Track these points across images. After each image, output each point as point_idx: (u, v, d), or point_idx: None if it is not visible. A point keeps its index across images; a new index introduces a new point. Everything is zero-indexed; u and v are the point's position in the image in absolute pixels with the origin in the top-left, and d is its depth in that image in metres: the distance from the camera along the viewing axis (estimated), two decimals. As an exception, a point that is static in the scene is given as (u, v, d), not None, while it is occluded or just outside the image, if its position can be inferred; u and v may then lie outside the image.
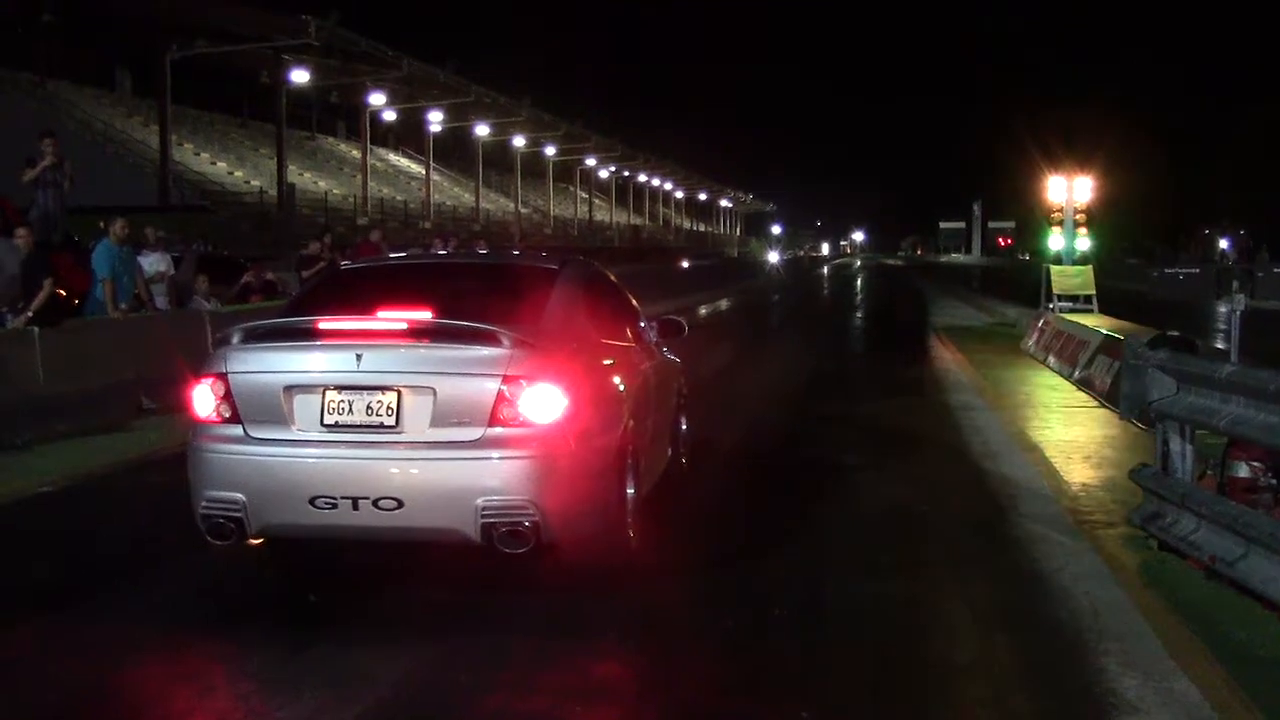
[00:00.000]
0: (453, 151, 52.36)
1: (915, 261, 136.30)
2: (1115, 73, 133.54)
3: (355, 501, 3.96)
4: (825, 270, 76.58)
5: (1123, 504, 6.18)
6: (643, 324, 5.81)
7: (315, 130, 47.25)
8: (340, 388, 4.07)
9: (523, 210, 55.07)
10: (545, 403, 4.03)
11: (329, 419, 4.09)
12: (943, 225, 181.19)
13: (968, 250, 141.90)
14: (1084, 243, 21.99)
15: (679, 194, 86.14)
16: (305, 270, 13.00)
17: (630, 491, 4.68)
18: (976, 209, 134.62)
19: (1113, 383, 10.05)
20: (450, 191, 51.90)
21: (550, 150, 55.29)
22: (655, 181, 76.45)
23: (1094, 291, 19.04)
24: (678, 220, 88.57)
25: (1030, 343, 15.73)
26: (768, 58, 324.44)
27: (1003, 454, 8.09)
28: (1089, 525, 5.96)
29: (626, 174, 69.98)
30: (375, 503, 3.95)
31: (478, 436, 3.97)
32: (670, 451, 5.99)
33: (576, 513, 4.12)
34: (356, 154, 45.24)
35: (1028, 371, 13.49)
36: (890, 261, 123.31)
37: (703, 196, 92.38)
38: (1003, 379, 12.66)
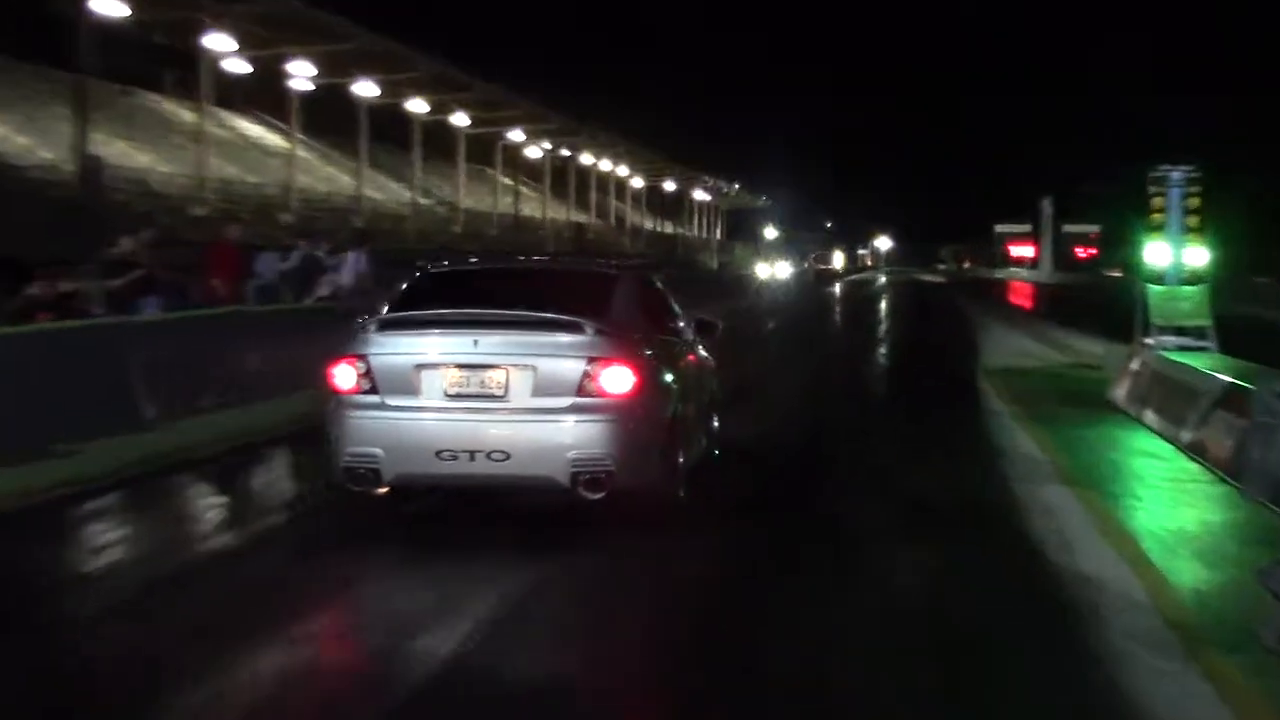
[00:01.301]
0: (327, 118, 52.37)
1: (961, 277, 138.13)
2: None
3: (472, 454, 7.24)
4: (837, 289, 77.27)
5: (1248, 616, 6.24)
6: (683, 322, 9.42)
7: (133, 83, 46.77)
8: (460, 366, 7.39)
9: (423, 201, 55.16)
10: (619, 379, 7.30)
11: (451, 390, 7.41)
12: (1000, 229, 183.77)
13: (1034, 265, 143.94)
14: (1198, 255, 22.26)
15: (637, 182, 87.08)
16: (117, 280, 12.86)
17: (680, 459, 8.13)
18: (1046, 206, 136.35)
19: (1236, 449, 10.16)
20: (323, 172, 51.83)
21: (461, 119, 55.53)
22: (605, 165, 77.24)
23: (1210, 322, 19.25)
24: (636, 218, 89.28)
25: (1120, 392, 15.96)
26: (764, 12, 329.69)
27: (1082, 545, 8.21)
28: (1199, 645, 6.02)
29: (567, 154, 70.68)
30: (489, 455, 7.21)
31: (568, 404, 7.28)
32: (704, 441, 9.42)
33: (641, 467, 7.40)
34: (191, 117, 44.88)
35: (1116, 431, 13.70)
36: (927, 278, 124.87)
37: (670, 186, 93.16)
38: (1081, 442, 12.83)
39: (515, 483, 7.74)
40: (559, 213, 72.57)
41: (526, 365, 7.55)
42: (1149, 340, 18.68)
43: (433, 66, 47.98)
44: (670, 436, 8.07)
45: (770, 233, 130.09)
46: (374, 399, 7.65)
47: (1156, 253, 22.17)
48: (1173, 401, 13.20)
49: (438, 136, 57.20)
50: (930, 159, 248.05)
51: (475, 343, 7.59)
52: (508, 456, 7.45)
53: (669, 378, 8.31)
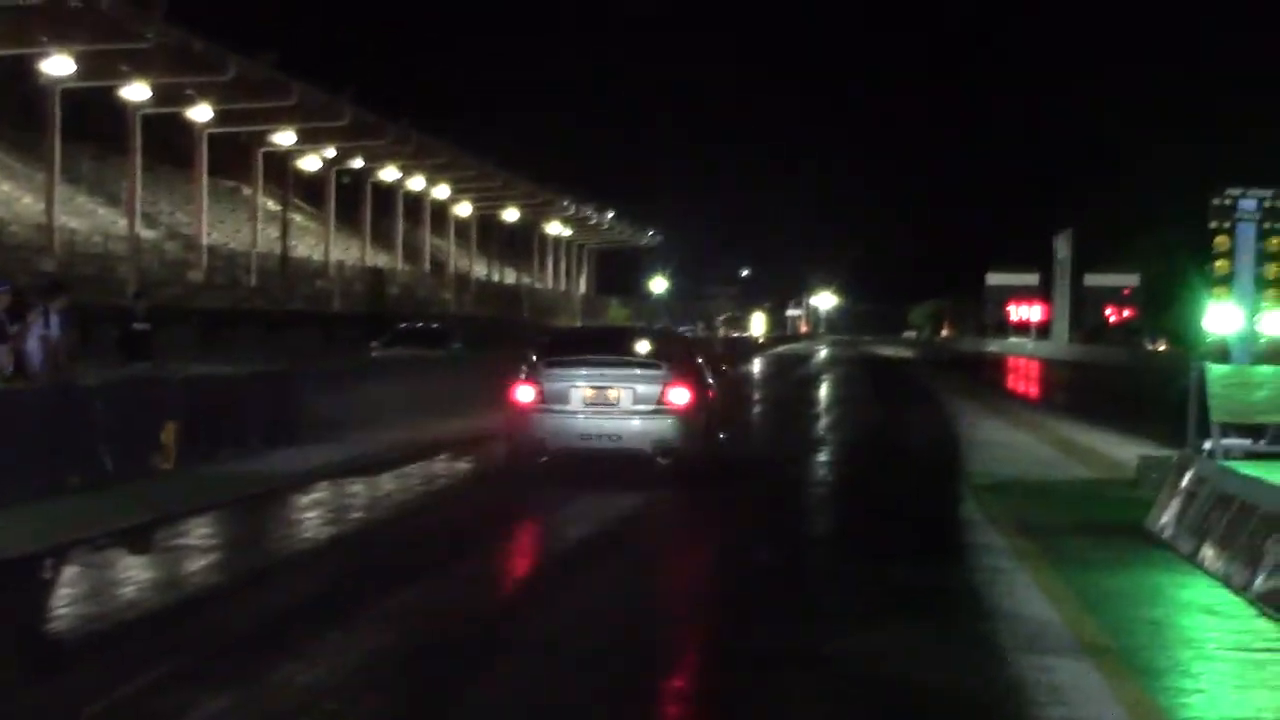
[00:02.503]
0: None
1: (938, 351, 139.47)
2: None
3: (599, 437, 21.16)
4: (757, 367, 77.16)
5: None
6: (700, 359, 24.51)
7: None
8: (593, 387, 21.16)
9: (146, 234, 54.48)
10: (681, 395, 21.15)
11: (587, 401, 21.22)
12: (994, 280, 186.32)
13: (1043, 333, 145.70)
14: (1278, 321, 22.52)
15: (462, 210, 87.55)
16: None
17: (710, 441, 22.79)
18: (1061, 247, 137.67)
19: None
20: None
21: (202, 113, 55.42)
22: (418, 183, 77.68)
23: (1295, 419, 19.58)
24: (463, 260, 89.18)
25: (1165, 519, 16.11)
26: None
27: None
28: None
29: (360, 165, 70.93)
30: (609, 437, 21.14)
31: (652, 409, 21.01)
32: (719, 433, 23.98)
33: (691, 446, 21.26)
34: None
35: (1158, 577, 13.86)
36: (888, 351, 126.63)
37: (510, 215, 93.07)
38: (1108, 593, 13.00)
39: (622, 453, 20.57)
40: (348, 250, 72.32)
41: (629, 387, 20.38)
42: (1208, 445, 18.87)
43: (162, 34, 47.70)
44: (706, 429, 21.39)
45: (659, 285, 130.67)
46: (543, 406, 20.39)
47: (1220, 317, 22.35)
48: (1242, 533, 13.28)
49: (169, 137, 56.80)
50: (896, 179, 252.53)
51: (601, 375, 20.54)
52: (620, 439, 20.48)
53: (706, 396, 21.53)
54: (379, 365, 36.05)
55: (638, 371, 21.43)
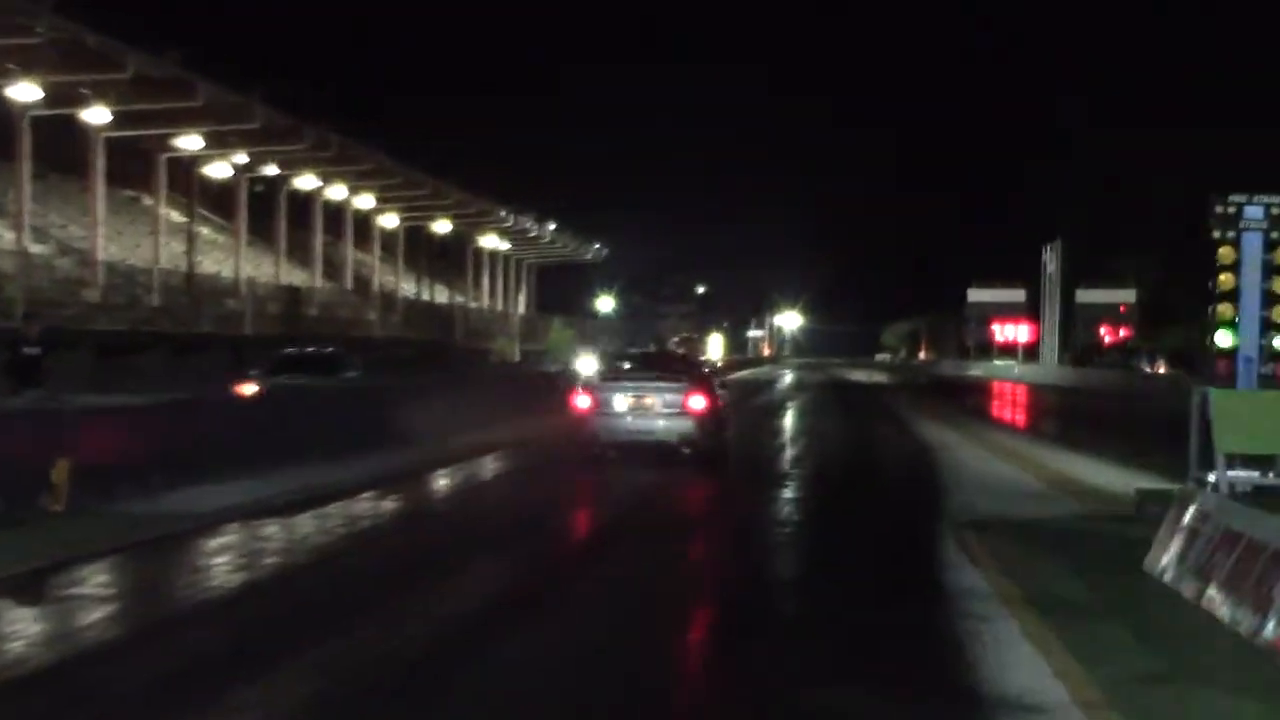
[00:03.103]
0: None
1: (914, 374, 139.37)
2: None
3: (640, 431, 32.64)
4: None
5: None
6: (707, 369, 44.38)
7: None
8: (634, 397, 32.78)
9: (36, 249, 54.06)
10: (699, 402, 32.53)
11: (631, 407, 32.85)
12: (976, 296, 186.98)
13: (1030, 354, 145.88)
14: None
15: (388, 221, 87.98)
16: None
17: (720, 439, 35.01)
18: (1050, 260, 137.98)
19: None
20: None
21: (98, 115, 55.19)
22: (339, 193, 77.78)
23: (1309, 449, 19.61)
24: (390, 276, 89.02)
25: (1166, 558, 16.14)
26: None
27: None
28: None
29: (273, 172, 71.07)
30: (647, 432, 32.60)
31: (677, 412, 32.28)
32: (726, 433, 36.65)
33: (706, 441, 32.46)
34: None
35: (1162, 619, 13.94)
36: (859, 376, 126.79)
37: (442, 227, 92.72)
38: (1106, 645, 13.03)
39: (657, 445, 31.30)
40: (261, 266, 71.99)
41: (660, 396, 31.62)
42: (1212, 477, 18.88)
43: (54, 27, 47.33)
44: (718, 429, 33.06)
45: (605, 304, 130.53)
46: (598, 410, 31.73)
47: (1226, 337, 22.19)
48: (1250, 575, 13.30)
49: (61, 142, 56.55)
50: (868, 186, 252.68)
51: (640, 387, 32.10)
52: (653, 434, 31.41)
53: (716, 404, 32.91)
54: (299, 394, 34.74)
55: (665, 385, 32.00)
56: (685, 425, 31.61)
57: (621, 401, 32.11)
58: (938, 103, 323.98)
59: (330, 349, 46.55)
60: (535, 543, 20.74)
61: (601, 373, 38.36)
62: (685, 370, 35.90)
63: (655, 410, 31.96)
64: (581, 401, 32.99)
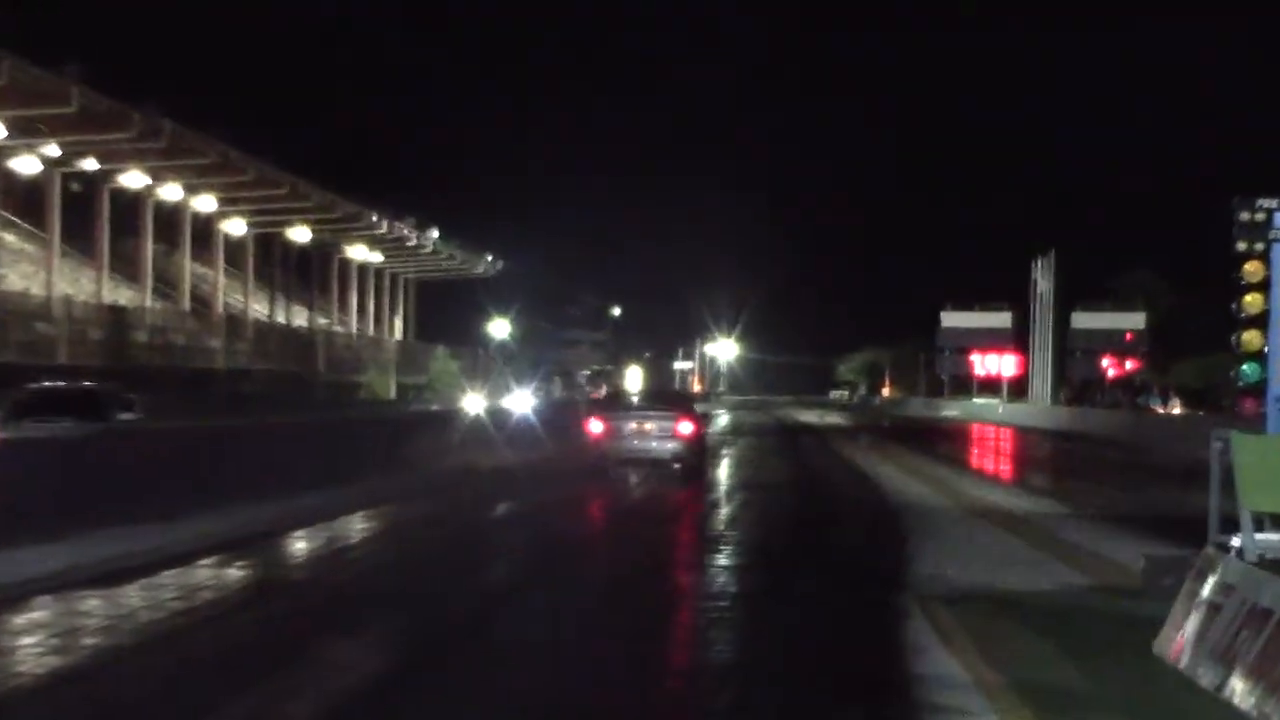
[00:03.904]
0: None
1: (875, 414, 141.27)
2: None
3: (641, 450, 53.62)
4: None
5: None
6: (701, 411, 73.85)
7: None
8: (637, 423, 53.69)
9: None
10: (687, 428, 54.24)
11: (635, 430, 54.02)
12: (950, 321, 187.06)
13: (1016, 390, 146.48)
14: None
15: (235, 227, 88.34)
16: None
17: (704, 457, 61.28)
18: (1042, 277, 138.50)
19: None
20: None
21: None
22: (174, 193, 77.99)
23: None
24: (238, 295, 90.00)
25: (1179, 639, 16.40)
26: None
27: None
28: None
29: (93, 168, 70.95)
30: (646, 451, 53.50)
31: (670, 435, 53.28)
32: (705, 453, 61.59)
33: (693, 459, 54.20)
34: None
35: (1175, 718, 14.30)
36: (809, 417, 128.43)
37: (301, 235, 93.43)
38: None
39: (654, 461, 48.35)
40: (80, 281, 71.52)
41: (656, 422, 48.95)
42: (1236, 540, 18.49)
43: None
44: (701, 449, 54.29)
45: (501, 329, 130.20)
46: (608, 434, 48.56)
47: (1253, 371, 22.01)
48: (1276, 659, 13.51)
49: None
50: (820, 190, 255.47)
51: (643, 416, 49.97)
52: (651, 452, 48.41)
53: (700, 429, 54.52)
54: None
55: (660, 413, 47.62)
56: (677, 446, 47.48)
57: (627, 427, 47.92)
58: (902, 87, 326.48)
59: (91, 384, 43.28)
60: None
61: (605, 406, 58.64)
62: (675, 401, 58.09)
63: (653, 434, 47.57)
64: (595, 427, 48.77)
